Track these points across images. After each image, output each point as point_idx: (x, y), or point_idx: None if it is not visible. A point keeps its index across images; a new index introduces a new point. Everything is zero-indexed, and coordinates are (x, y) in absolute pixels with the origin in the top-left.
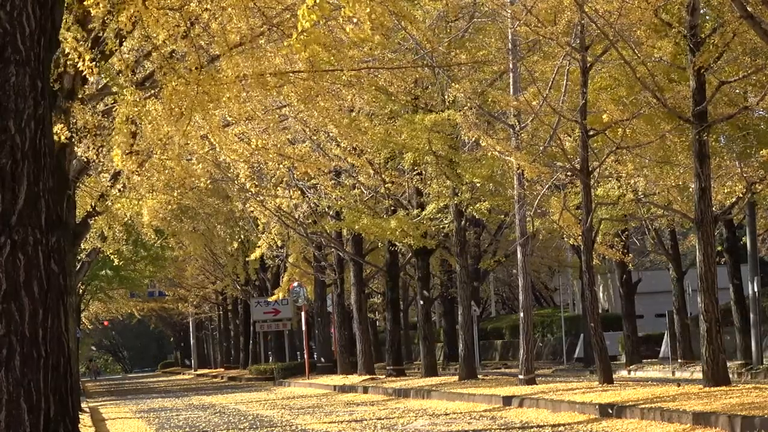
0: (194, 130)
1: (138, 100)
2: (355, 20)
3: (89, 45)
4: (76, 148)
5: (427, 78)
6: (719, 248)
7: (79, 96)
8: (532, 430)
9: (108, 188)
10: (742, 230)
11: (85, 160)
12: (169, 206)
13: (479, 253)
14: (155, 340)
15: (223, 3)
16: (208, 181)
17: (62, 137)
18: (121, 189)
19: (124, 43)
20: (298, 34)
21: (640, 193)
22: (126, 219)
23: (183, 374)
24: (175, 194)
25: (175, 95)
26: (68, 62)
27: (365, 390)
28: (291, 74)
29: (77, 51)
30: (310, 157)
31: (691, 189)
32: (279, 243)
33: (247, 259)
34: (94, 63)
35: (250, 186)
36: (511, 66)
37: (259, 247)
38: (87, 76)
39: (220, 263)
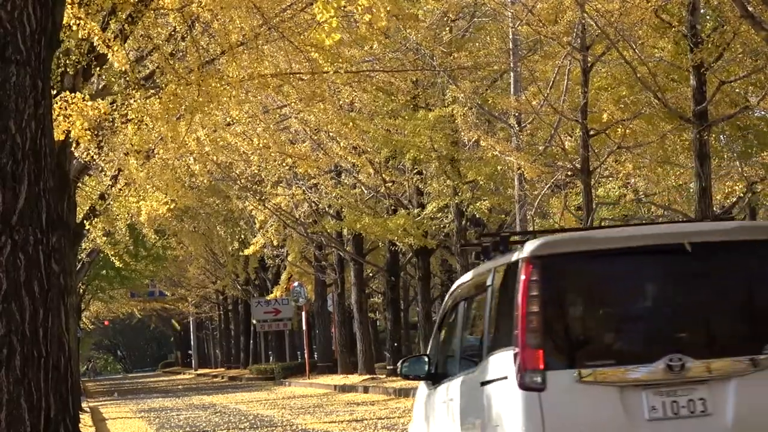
0: (194, 130)
1: (141, 100)
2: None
3: (87, 47)
4: (73, 150)
5: (427, 78)
6: None
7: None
8: None
9: (108, 187)
10: None
11: (85, 160)
12: (168, 206)
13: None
14: (155, 340)
15: (223, 3)
16: (208, 181)
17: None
18: (121, 189)
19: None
20: (320, 25)
21: (640, 193)
22: (127, 220)
23: (183, 374)
24: (177, 192)
25: (175, 96)
26: (68, 62)
27: (366, 390)
28: (290, 75)
29: (105, 41)
30: (310, 156)
31: (691, 189)
32: (276, 242)
33: (241, 254)
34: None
35: (245, 180)
36: (511, 66)
37: (253, 244)
38: (125, 68)
39: (220, 263)
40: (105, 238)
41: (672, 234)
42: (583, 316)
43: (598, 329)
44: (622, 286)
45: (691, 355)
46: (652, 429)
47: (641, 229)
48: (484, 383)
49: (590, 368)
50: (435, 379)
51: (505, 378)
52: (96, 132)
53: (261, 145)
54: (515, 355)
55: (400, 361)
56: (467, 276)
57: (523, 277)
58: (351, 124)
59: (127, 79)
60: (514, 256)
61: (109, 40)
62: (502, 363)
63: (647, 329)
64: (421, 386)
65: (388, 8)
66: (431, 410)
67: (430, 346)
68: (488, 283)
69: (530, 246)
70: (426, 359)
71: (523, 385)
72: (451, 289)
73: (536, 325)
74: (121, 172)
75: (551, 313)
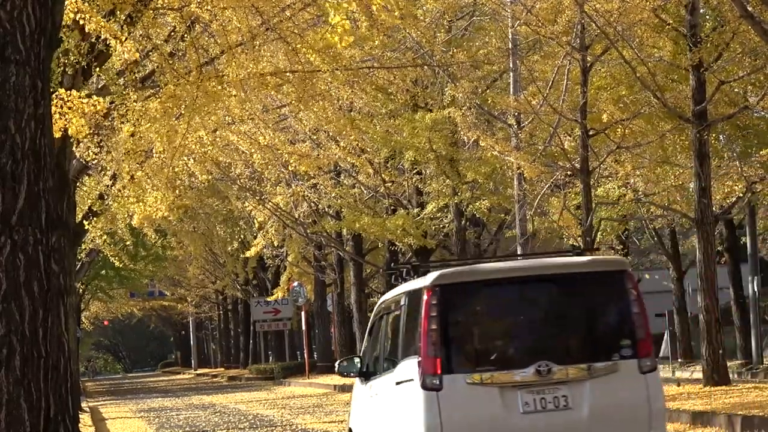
0: (195, 130)
1: (140, 101)
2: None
3: (86, 48)
4: (74, 149)
5: (426, 77)
6: (719, 248)
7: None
8: None
9: (108, 187)
10: (742, 230)
11: (86, 159)
12: (162, 213)
13: (479, 253)
14: (155, 340)
15: (222, 3)
16: (207, 181)
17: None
18: (120, 189)
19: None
20: (331, 27)
21: (640, 193)
22: (126, 220)
23: (183, 374)
24: (174, 193)
25: (174, 96)
26: (68, 62)
27: None
28: (290, 73)
29: (115, 36)
30: (311, 155)
31: (691, 189)
32: (276, 242)
33: (242, 256)
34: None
35: (245, 180)
36: (511, 65)
37: (254, 245)
38: (135, 58)
39: (219, 263)
40: (105, 238)
41: (538, 266)
42: (471, 332)
43: (483, 342)
44: (502, 308)
45: (555, 362)
46: (526, 420)
47: (516, 263)
48: (398, 383)
49: (477, 373)
50: (365, 376)
51: (412, 380)
52: (96, 131)
53: (267, 144)
54: (419, 362)
55: (338, 361)
56: (390, 294)
57: (425, 300)
58: (351, 124)
59: (126, 78)
60: (420, 283)
61: (116, 32)
62: (409, 368)
63: (521, 342)
64: (357, 381)
65: (401, 5)
66: (363, 402)
67: (362, 349)
68: (402, 302)
69: (431, 276)
70: (358, 360)
71: (424, 386)
72: (378, 302)
73: (435, 338)
74: (119, 173)
75: (446, 330)
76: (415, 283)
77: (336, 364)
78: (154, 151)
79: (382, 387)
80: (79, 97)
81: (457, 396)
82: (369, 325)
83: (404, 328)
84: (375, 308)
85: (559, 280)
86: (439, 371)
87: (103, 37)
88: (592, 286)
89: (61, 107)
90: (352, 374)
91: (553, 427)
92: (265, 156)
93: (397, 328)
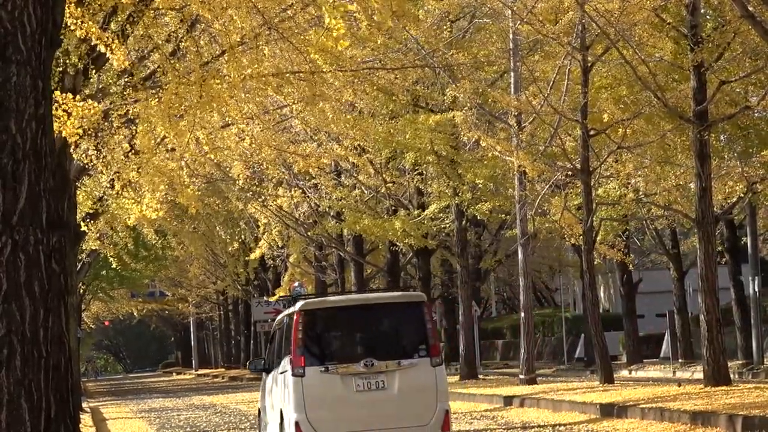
0: (195, 130)
1: (140, 102)
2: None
3: (86, 49)
4: (72, 151)
5: (427, 78)
6: (720, 248)
7: (79, 96)
8: (533, 429)
9: (107, 189)
10: (742, 230)
11: (83, 163)
12: (158, 212)
13: (480, 253)
14: (156, 340)
15: (223, 3)
16: (208, 181)
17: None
18: (119, 191)
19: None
20: (326, 30)
21: (640, 193)
22: (125, 222)
23: (184, 374)
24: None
25: (176, 96)
26: (68, 62)
27: None
28: (291, 75)
29: (105, 42)
30: (312, 155)
31: (691, 189)
32: (280, 243)
33: (247, 259)
34: (125, 52)
35: (244, 181)
36: (512, 65)
37: (259, 247)
38: (125, 66)
39: (220, 263)
40: (99, 242)
41: (365, 298)
42: (324, 339)
43: (331, 346)
44: (343, 325)
45: (377, 359)
46: (358, 396)
47: (353, 296)
48: (280, 373)
49: (327, 366)
50: (267, 371)
51: (287, 371)
52: (94, 133)
53: (254, 145)
54: (290, 359)
55: (249, 360)
56: (281, 315)
57: (295, 319)
58: (352, 124)
59: (126, 80)
60: (293, 309)
61: (108, 39)
62: (286, 363)
63: (355, 346)
64: (263, 375)
65: (394, 8)
66: (266, 388)
67: (267, 351)
68: (285, 321)
69: (299, 304)
70: (263, 359)
71: (293, 374)
72: (277, 318)
73: (300, 344)
74: (118, 175)
75: (308, 338)
76: (292, 308)
77: (247, 363)
78: (139, 150)
79: (274, 377)
80: (74, 100)
81: (315, 381)
82: (270, 335)
83: (285, 337)
84: (273, 324)
85: (379, 308)
86: (303, 364)
87: (94, 43)
88: (400, 312)
89: (56, 109)
90: (258, 370)
91: (375, 401)
92: (258, 156)
93: (282, 337)
